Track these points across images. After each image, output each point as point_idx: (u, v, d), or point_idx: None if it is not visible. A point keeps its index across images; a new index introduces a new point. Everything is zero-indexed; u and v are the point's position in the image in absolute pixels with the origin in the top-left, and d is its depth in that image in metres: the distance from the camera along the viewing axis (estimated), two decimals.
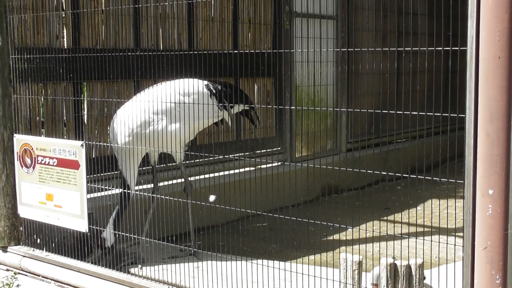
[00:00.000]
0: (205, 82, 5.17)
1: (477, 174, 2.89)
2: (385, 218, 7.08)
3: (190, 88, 5.02)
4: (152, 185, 5.39)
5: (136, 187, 5.29)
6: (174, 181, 6.45)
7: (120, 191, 5.05)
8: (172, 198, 4.60)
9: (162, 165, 6.36)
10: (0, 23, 4.97)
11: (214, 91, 5.16)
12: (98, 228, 4.89)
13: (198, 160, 6.46)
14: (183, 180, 5.48)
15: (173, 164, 5.92)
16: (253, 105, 5.56)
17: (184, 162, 5.31)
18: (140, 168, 5.35)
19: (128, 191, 5.00)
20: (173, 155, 5.20)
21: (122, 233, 4.86)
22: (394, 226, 6.67)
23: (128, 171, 4.99)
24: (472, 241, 2.94)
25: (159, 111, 4.94)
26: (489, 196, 2.84)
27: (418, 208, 7.36)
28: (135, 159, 5.02)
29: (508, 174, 2.80)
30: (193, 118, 4.93)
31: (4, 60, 5.02)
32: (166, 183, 6.38)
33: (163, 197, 4.74)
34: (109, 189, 5.08)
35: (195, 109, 4.91)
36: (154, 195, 5.21)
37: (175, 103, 4.90)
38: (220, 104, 5.17)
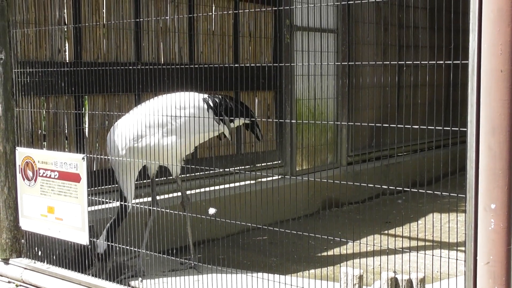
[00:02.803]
0: (203, 96, 5.13)
1: (479, 188, 2.88)
2: (386, 232, 7.06)
3: (187, 101, 4.99)
4: (151, 198, 5.38)
5: (136, 200, 5.28)
6: (172, 195, 6.44)
7: (118, 204, 5.05)
8: (170, 211, 4.59)
9: (162, 178, 6.36)
10: (3, 38, 4.99)
11: (212, 104, 5.10)
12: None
13: (198, 173, 6.46)
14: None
15: (170, 177, 5.93)
16: (253, 119, 5.51)
17: (180, 176, 5.29)
18: (138, 182, 5.33)
19: (126, 203, 5.00)
20: (169, 168, 5.18)
21: (122, 246, 4.85)
22: (395, 240, 6.64)
23: (125, 184, 4.99)
24: (474, 255, 2.93)
25: (155, 124, 4.93)
26: (491, 210, 2.83)
27: (419, 222, 7.35)
28: (132, 172, 5.01)
29: (510, 188, 2.79)
30: (189, 132, 4.92)
31: (7, 74, 5.04)
32: (165, 196, 6.37)
33: (161, 210, 4.74)
34: (110, 202, 5.08)
35: (191, 122, 4.89)
36: (153, 208, 5.19)
37: (170, 116, 4.87)
38: (218, 117, 5.11)
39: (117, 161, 4.97)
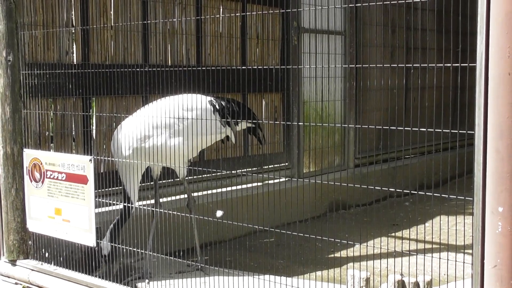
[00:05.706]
0: (209, 98, 5.14)
1: (486, 191, 2.87)
2: (393, 234, 7.05)
3: (193, 103, 4.99)
4: (154, 200, 5.38)
5: (141, 202, 5.28)
6: (179, 197, 6.44)
7: (122, 205, 5.06)
8: (177, 213, 4.59)
9: (169, 180, 6.36)
10: (11, 39, 5.00)
11: (217, 107, 5.12)
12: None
13: (205, 175, 6.46)
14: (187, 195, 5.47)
15: (177, 179, 5.92)
16: (258, 122, 5.51)
17: (186, 178, 5.30)
18: (143, 184, 5.34)
19: (130, 205, 5.00)
20: (176, 170, 5.18)
21: (128, 248, 4.85)
22: (402, 242, 6.62)
23: (130, 185, 5.00)
24: (482, 258, 2.92)
25: (161, 125, 4.93)
26: (498, 213, 2.82)
27: (427, 224, 7.33)
28: (136, 173, 5.01)
29: None
30: (195, 134, 4.92)
31: (15, 76, 5.05)
32: (171, 198, 6.37)
33: (165, 211, 4.73)
34: (117, 204, 5.09)
35: (197, 125, 4.89)
36: (156, 209, 5.18)
37: (176, 118, 4.88)
38: (223, 120, 5.12)
39: (122, 162, 4.98)
